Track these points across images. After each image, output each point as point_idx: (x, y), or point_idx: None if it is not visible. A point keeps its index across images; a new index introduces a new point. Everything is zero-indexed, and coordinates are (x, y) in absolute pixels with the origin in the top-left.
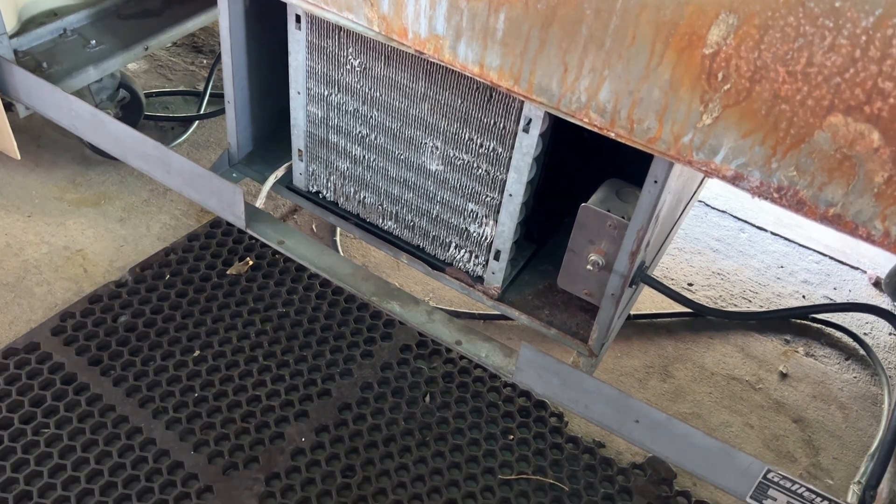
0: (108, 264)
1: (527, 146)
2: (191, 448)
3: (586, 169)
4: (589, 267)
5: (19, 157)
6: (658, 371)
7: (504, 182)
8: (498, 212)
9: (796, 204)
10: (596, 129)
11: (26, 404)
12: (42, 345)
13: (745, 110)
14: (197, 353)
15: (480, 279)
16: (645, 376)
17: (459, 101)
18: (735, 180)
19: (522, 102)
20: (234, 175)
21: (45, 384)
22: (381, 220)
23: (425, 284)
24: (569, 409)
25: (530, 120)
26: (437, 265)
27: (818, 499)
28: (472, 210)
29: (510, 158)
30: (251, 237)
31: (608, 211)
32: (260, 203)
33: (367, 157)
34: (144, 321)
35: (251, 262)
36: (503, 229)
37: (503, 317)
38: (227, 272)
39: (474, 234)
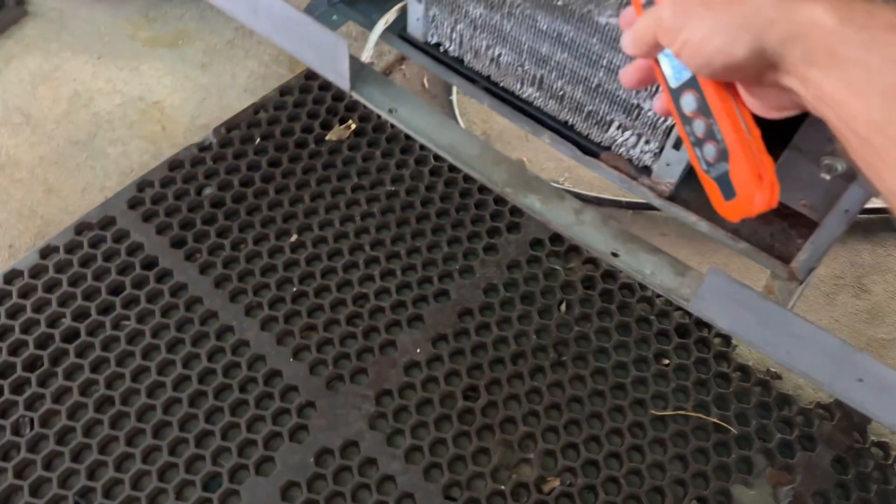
0: (188, 121)
1: None
2: (290, 354)
3: None
4: (822, 173)
5: None
6: (850, 284)
7: None
8: None
9: None
10: None
11: (104, 292)
12: (118, 219)
13: None
14: (294, 237)
15: (647, 170)
16: (833, 290)
17: None
18: None
19: None
20: (334, 18)
21: (124, 268)
22: (519, 86)
23: (560, 161)
24: (763, 352)
25: None
26: (590, 149)
27: None
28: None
29: None
30: None
31: None
32: (367, 56)
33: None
34: (233, 195)
35: (354, 126)
36: None
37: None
38: (327, 138)
39: (649, 113)
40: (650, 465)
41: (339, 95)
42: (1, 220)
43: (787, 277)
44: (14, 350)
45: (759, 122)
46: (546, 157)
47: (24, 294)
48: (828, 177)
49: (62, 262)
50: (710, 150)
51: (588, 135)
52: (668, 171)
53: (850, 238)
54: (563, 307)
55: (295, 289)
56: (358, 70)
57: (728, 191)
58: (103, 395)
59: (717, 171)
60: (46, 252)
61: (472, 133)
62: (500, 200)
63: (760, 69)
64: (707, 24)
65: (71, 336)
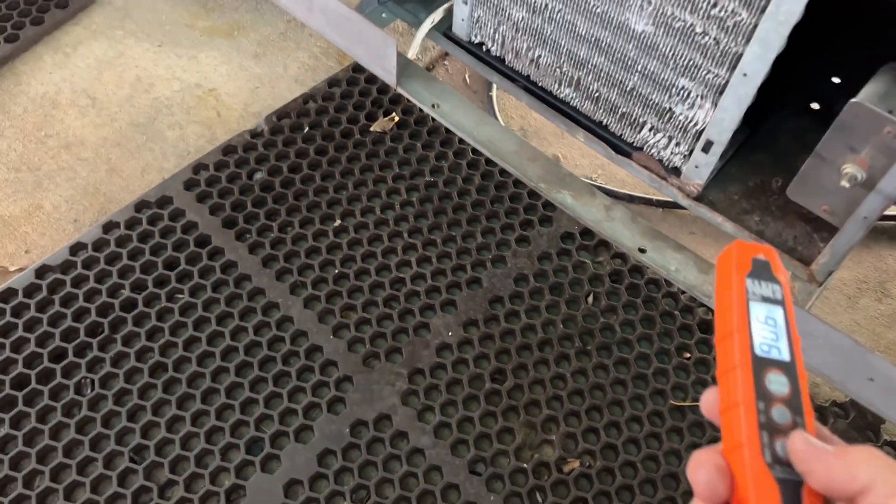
0: (242, 108)
1: (786, 12)
2: (330, 332)
3: (837, 38)
4: (842, 182)
5: None
6: (873, 288)
7: (739, 57)
8: (721, 93)
9: None
10: None
11: (160, 266)
12: (175, 199)
13: None
14: (338, 222)
15: (677, 171)
16: (856, 293)
17: None
18: None
19: None
20: (383, 15)
21: (179, 245)
22: (556, 87)
23: (593, 158)
24: None
25: None
26: (623, 149)
27: None
28: (683, 87)
29: (755, 26)
30: None
31: (891, 112)
32: (413, 53)
33: (550, 4)
34: (281, 180)
35: (397, 119)
36: (723, 116)
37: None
38: (371, 129)
39: (680, 117)
40: (667, 451)
41: (384, 89)
42: (67, 196)
43: (806, 279)
44: (78, 317)
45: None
46: (580, 154)
47: (87, 265)
48: (848, 185)
49: (122, 237)
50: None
51: (621, 135)
52: (697, 172)
53: (875, 243)
54: (590, 299)
55: (336, 270)
56: (404, 66)
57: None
58: (157, 362)
59: (787, 474)
60: (108, 227)
61: (509, 129)
62: (533, 194)
63: None
64: None
65: (129, 306)
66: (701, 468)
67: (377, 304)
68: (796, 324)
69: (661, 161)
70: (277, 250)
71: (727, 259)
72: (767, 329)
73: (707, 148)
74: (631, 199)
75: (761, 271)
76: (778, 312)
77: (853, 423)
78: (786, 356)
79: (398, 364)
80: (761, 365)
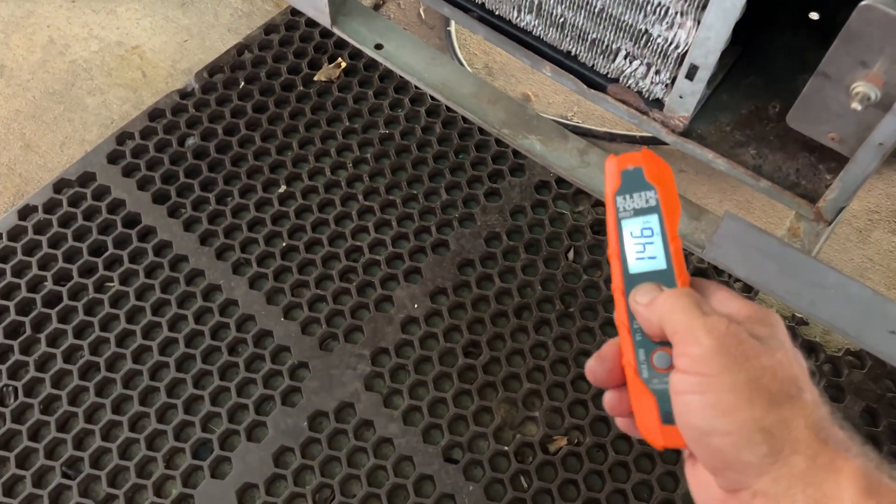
0: (170, 66)
1: None
2: (280, 313)
3: None
4: (853, 103)
5: None
6: (886, 218)
7: None
8: (703, 8)
9: None
10: None
11: (85, 253)
12: (98, 175)
13: None
14: (283, 188)
15: (659, 103)
16: (868, 225)
17: None
18: None
19: None
20: None
21: (105, 227)
22: (516, 14)
23: (568, 95)
24: (785, 302)
25: None
26: (596, 81)
27: None
28: (659, 3)
29: None
30: None
31: None
32: None
33: None
34: (217, 144)
35: (344, 65)
36: (708, 35)
37: None
38: (315, 78)
39: (658, 40)
40: None
41: (327, 32)
42: None
43: (813, 218)
44: None
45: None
46: (553, 90)
47: (3, 258)
48: (859, 107)
49: (41, 222)
50: (664, 357)
51: (593, 66)
52: (682, 104)
53: (886, 168)
54: (570, 254)
55: (284, 243)
56: (339, 3)
57: (669, 413)
58: (88, 362)
59: (665, 383)
60: (25, 212)
61: (465, 69)
62: (502, 142)
63: (746, 483)
64: (737, 403)
65: (53, 300)
66: (593, 357)
67: (332, 279)
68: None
69: (640, 93)
70: (216, 225)
71: (605, 179)
72: (643, 242)
73: (691, 74)
74: (612, 139)
75: (633, 182)
76: (653, 220)
77: (870, 373)
78: (662, 264)
79: (359, 344)
80: (634, 283)
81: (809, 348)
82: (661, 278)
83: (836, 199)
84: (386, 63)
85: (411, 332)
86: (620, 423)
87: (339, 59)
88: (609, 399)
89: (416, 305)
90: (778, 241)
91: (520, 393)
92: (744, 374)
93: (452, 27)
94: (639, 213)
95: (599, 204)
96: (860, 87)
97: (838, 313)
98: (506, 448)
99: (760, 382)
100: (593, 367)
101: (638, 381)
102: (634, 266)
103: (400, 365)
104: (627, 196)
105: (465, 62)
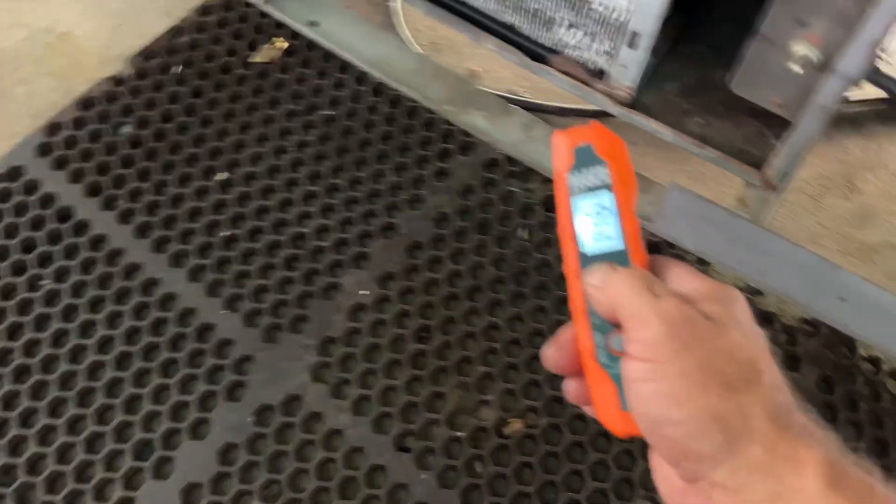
0: (102, 51)
1: None
2: (222, 305)
3: None
4: (792, 65)
5: None
6: (839, 184)
7: None
8: None
9: None
10: None
11: (15, 250)
12: (27, 169)
13: None
14: (223, 175)
15: (603, 74)
16: (820, 191)
17: None
18: None
19: None
20: None
21: (36, 222)
22: None
23: (517, 68)
24: (736, 272)
25: None
26: (539, 53)
27: None
28: None
29: None
30: None
31: None
32: None
33: None
34: (153, 132)
35: (285, 45)
36: (647, 1)
37: None
38: (254, 59)
39: (598, 8)
40: None
41: (266, 11)
42: None
43: (761, 185)
44: None
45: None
46: (501, 64)
47: None
48: (800, 69)
49: None
50: (621, 340)
51: (536, 38)
52: (625, 73)
53: (837, 133)
54: (523, 233)
55: (225, 233)
56: None
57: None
58: (21, 365)
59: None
60: None
61: (405, 45)
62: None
63: (703, 474)
64: (690, 390)
65: None
66: (549, 344)
67: (276, 267)
68: (751, 243)
69: (583, 64)
70: (153, 216)
71: (553, 157)
72: (597, 221)
73: (634, 42)
74: (563, 113)
75: (585, 159)
76: (606, 197)
77: (825, 341)
78: (618, 244)
79: (306, 334)
80: (589, 264)
81: (765, 318)
82: (617, 259)
83: (783, 164)
84: (320, 41)
85: (360, 319)
86: (588, 411)
87: (278, 39)
88: (570, 388)
89: (364, 291)
90: (725, 211)
91: (473, 377)
92: (696, 359)
93: (397, 2)
94: (592, 190)
95: (550, 180)
96: (800, 48)
97: (789, 282)
98: (459, 434)
99: (714, 367)
100: (550, 355)
101: (596, 367)
102: (590, 247)
103: (349, 354)
104: (579, 173)
105: (410, 39)
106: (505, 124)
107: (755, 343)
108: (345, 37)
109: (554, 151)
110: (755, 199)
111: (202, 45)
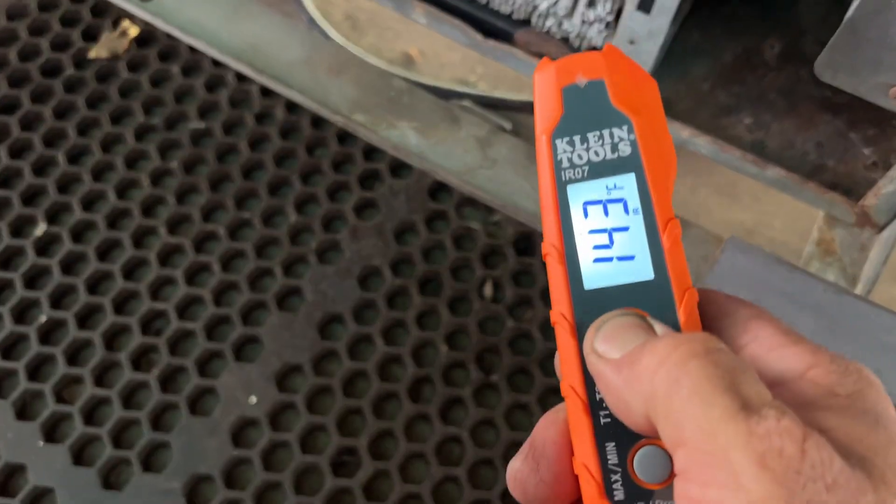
0: None
1: None
2: (38, 435)
3: None
4: None
5: None
6: None
7: None
8: None
9: None
10: None
11: None
12: None
13: None
14: (42, 228)
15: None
16: None
17: None
18: None
19: None
20: None
21: None
22: None
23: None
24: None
25: None
26: (496, 27)
27: None
28: None
29: None
30: None
31: None
32: None
33: None
34: None
35: (134, 31)
36: None
37: None
38: (92, 54)
39: None
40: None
41: None
42: None
43: (854, 222)
44: None
45: None
46: (449, 44)
47: None
48: None
49: None
50: (656, 458)
51: (497, 8)
52: (635, 52)
53: None
54: (487, 289)
55: (45, 317)
56: None
57: None
58: None
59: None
60: None
61: (289, 22)
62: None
63: None
64: None
65: None
66: (519, 455)
67: (121, 366)
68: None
69: (565, 40)
70: None
71: (536, 109)
72: (608, 226)
73: (647, 4)
74: (533, 110)
75: (586, 111)
76: (627, 183)
77: None
78: (645, 268)
79: (165, 474)
80: (592, 308)
81: None
82: (646, 300)
83: (891, 190)
84: (155, 22)
85: (248, 441)
86: None
87: (126, 24)
88: None
89: (252, 399)
90: (812, 278)
91: None
92: None
93: None
94: (599, 170)
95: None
96: None
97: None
98: None
99: None
100: (520, 474)
101: (594, 493)
102: (592, 274)
103: (231, 500)
104: (576, 138)
105: (317, 13)
106: (450, 140)
107: None
108: (193, 15)
109: (536, 98)
110: (844, 245)
111: (18, 38)
